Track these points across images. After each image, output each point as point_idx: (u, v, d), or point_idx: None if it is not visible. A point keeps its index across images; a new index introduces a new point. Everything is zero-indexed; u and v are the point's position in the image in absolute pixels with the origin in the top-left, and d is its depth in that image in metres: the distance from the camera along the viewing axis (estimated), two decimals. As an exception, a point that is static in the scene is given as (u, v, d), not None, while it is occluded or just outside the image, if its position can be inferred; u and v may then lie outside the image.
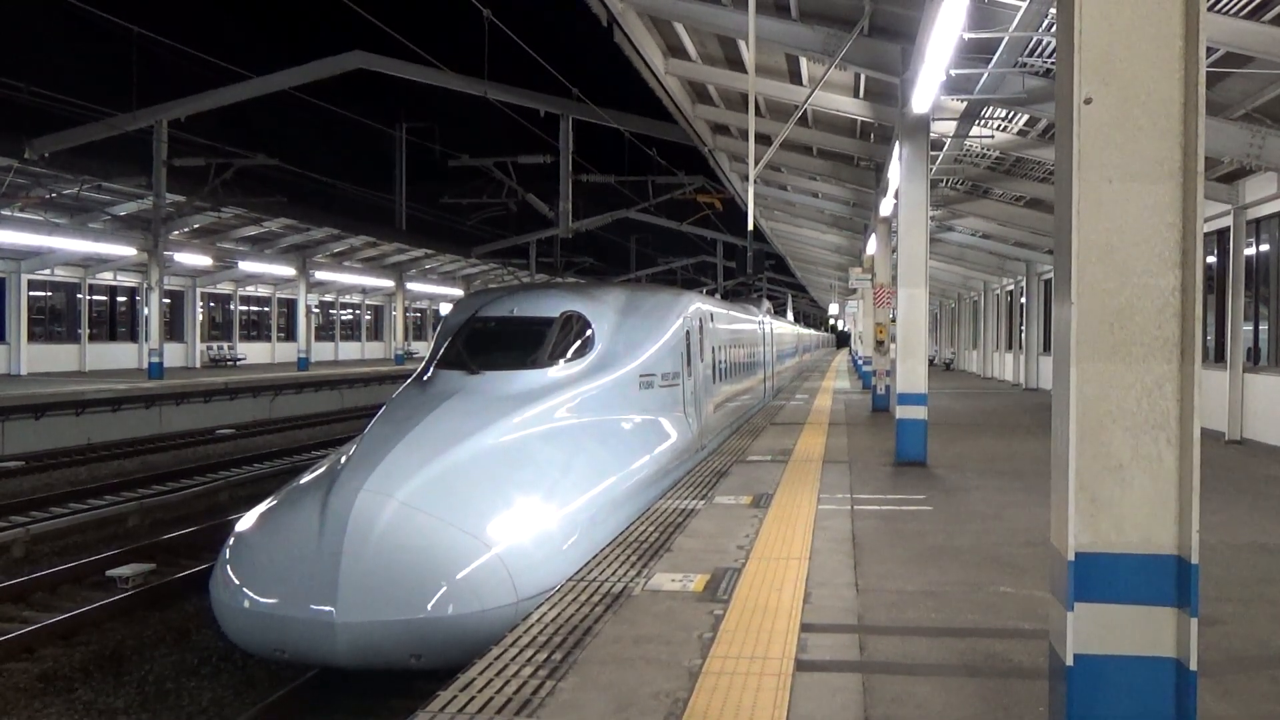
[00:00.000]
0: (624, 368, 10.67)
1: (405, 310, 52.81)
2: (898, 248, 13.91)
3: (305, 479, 8.25)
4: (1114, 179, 3.53)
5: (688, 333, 12.69)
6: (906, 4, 12.01)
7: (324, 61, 26.70)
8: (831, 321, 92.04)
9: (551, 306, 10.66)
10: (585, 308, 10.81)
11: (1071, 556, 3.52)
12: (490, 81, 24.96)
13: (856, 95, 16.74)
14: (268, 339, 47.44)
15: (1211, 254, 17.35)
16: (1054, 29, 11.04)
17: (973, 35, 11.47)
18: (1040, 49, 12.41)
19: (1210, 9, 10.43)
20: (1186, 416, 3.49)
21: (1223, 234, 16.91)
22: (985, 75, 12.97)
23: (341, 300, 53.87)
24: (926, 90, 11.91)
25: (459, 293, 49.80)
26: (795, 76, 16.67)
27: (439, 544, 7.00)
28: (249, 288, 45.12)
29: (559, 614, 6.00)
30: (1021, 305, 32.10)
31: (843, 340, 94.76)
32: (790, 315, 79.64)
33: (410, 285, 47.55)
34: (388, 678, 7.55)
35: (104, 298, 36.93)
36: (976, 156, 19.40)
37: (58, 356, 33.73)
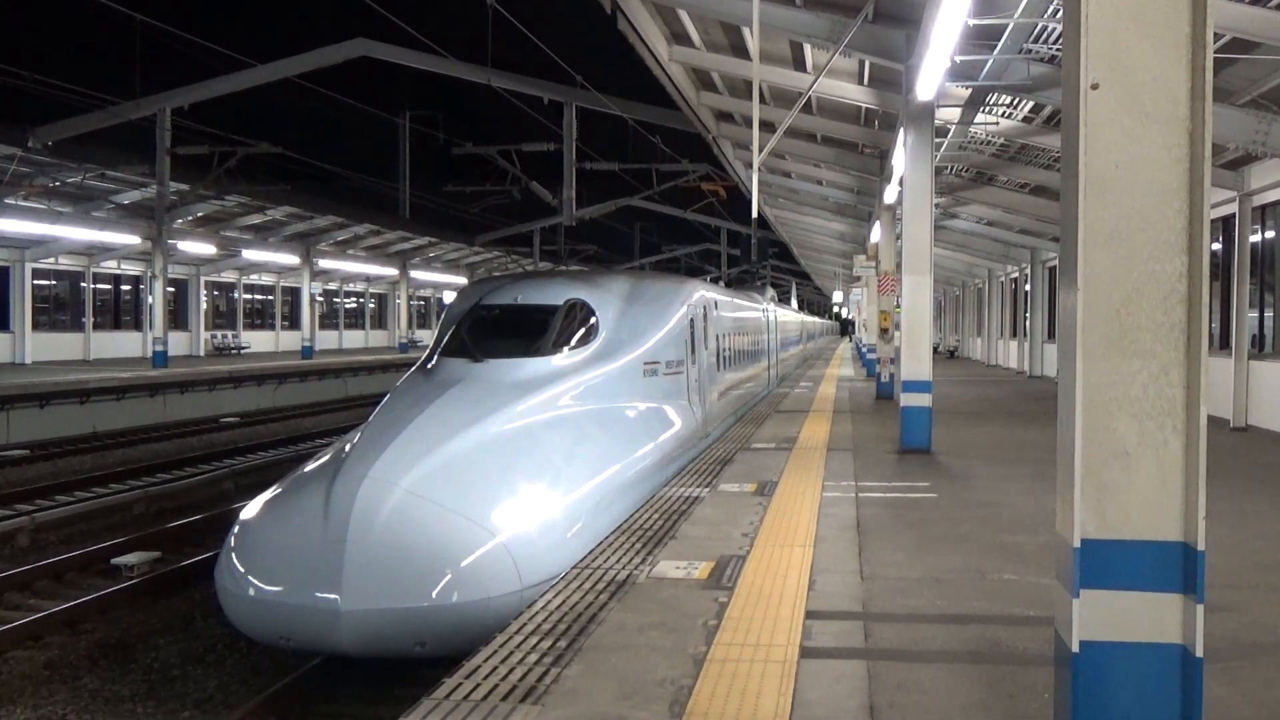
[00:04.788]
0: (628, 355, 10.66)
1: (409, 298, 52.82)
2: (902, 235, 13.89)
3: (310, 467, 8.25)
4: (1120, 165, 3.51)
5: (691, 320, 12.68)
6: (911, -10, 11.98)
7: (327, 49, 26.67)
8: (835, 309, 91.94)
9: (555, 294, 10.65)
10: (589, 295, 10.79)
11: (1077, 543, 3.51)
12: (494, 69, 24.93)
13: (861, 82, 16.70)
14: (272, 327, 47.50)
15: (1216, 241, 17.30)
16: (1059, 15, 11.01)
17: (977, 21, 11.43)
18: (1045, 35, 12.36)
19: (1217, -6, 10.37)
20: (1193, 403, 3.47)
21: (1228, 220, 16.87)
22: (990, 62, 12.93)
23: (345, 288, 53.90)
24: (931, 77, 11.88)
25: (463, 281, 49.81)
26: (799, 63, 16.63)
27: (443, 531, 7.00)
28: (253, 276, 45.16)
29: (564, 601, 6.00)
30: (1026, 292, 32.06)
31: (846, 328, 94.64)
32: (794, 303, 79.59)
33: (414, 273, 47.55)
34: (393, 665, 7.57)
35: (108, 286, 36.97)
36: (981, 143, 19.36)
37: (62, 345, 33.78)
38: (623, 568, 6.79)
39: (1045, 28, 12.06)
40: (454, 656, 5.78)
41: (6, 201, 25.98)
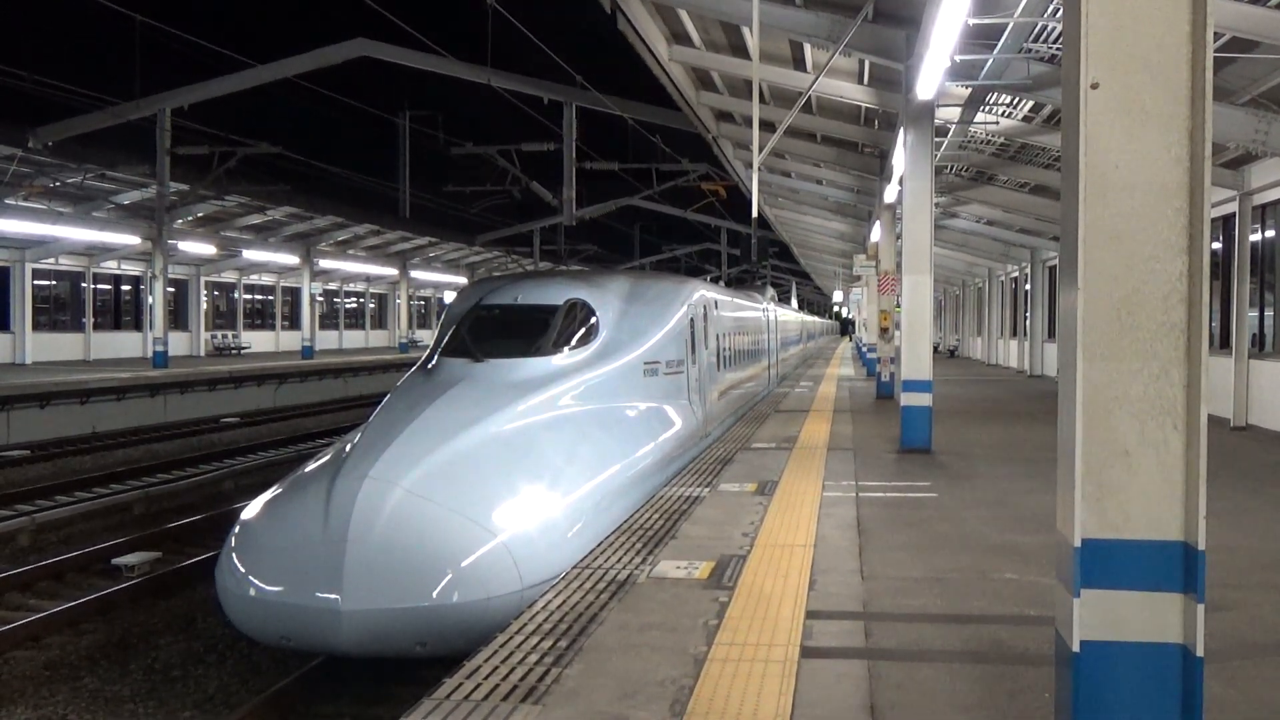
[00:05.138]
0: (628, 355, 10.66)
1: (409, 298, 52.80)
2: (902, 234, 13.89)
3: (310, 467, 8.25)
4: (1120, 164, 3.50)
5: (692, 320, 12.68)
6: (911, -11, 11.98)
7: (327, 49, 26.64)
8: (835, 309, 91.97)
9: (555, 294, 10.65)
10: (589, 295, 10.79)
11: (1078, 543, 3.50)
12: (494, 69, 24.91)
13: (861, 81, 16.70)
14: (272, 327, 47.49)
15: (1216, 240, 17.31)
16: (1059, 14, 11.01)
17: (977, 21, 11.43)
18: (1045, 34, 12.37)
19: (1217, -7, 10.37)
20: (1193, 402, 3.47)
21: (1228, 220, 16.87)
22: (990, 61, 12.94)
23: (345, 288, 53.89)
24: (931, 76, 11.87)
25: (463, 281, 49.80)
26: (799, 63, 16.63)
27: (444, 531, 7.00)
28: (253, 276, 45.15)
29: (564, 601, 6.00)
30: (1026, 292, 32.07)
31: (847, 327, 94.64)
32: (794, 302, 79.57)
33: (414, 273, 47.55)
34: (393, 665, 7.57)
35: (108, 287, 36.96)
36: (981, 143, 19.35)
37: (62, 345, 33.76)
38: (623, 568, 6.79)
39: (1045, 27, 12.07)
40: (455, 656, 5.79)
41: (7, 202, 25.97)
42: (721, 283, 46.30)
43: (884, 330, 22.46)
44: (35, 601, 10.30)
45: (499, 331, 10.10)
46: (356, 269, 45.28)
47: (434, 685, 4.73)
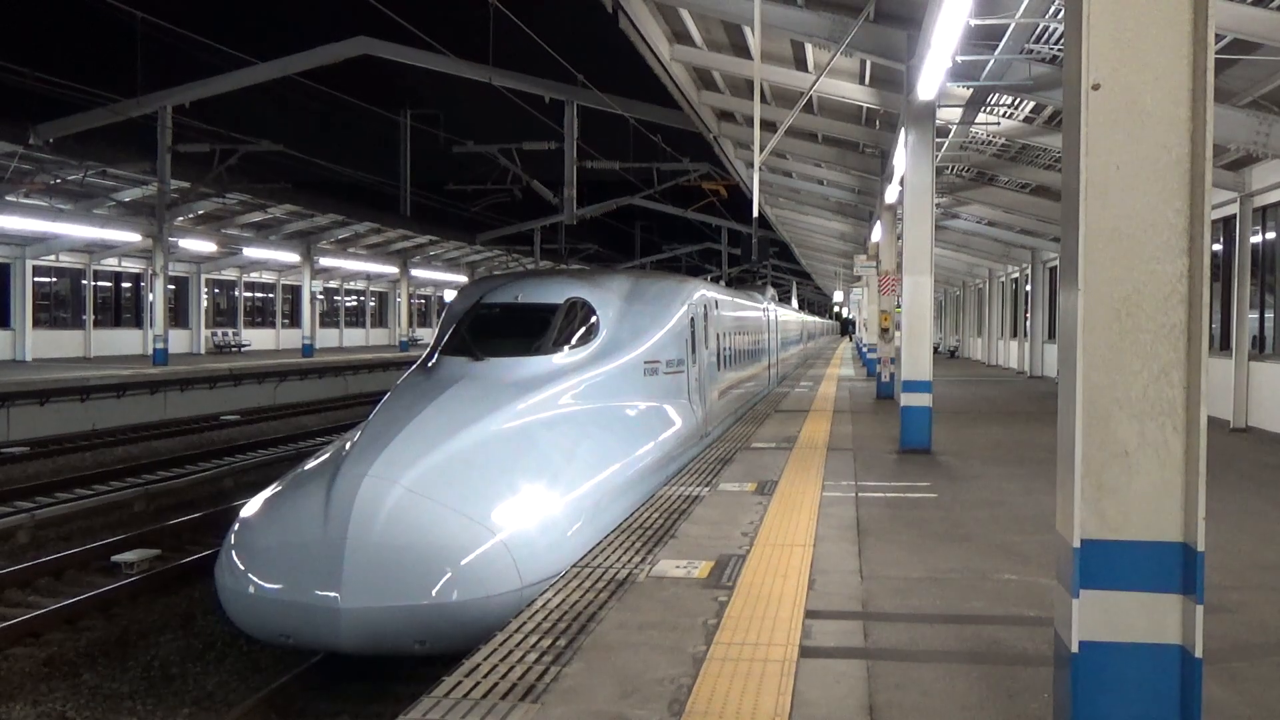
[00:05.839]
0: (628, 354, 10.66)
1: (409, 297, 52.78)
2: (903, 235, 13.89)
3: (310, 465, 8.26)
4: (1121, 165, 3.51)
5: (692, 320, 12.68)
6: (913, -10, 11.98)
7: (329, 47, 26.65)
8: (836, 309, 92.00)
9: (556, 293, 10.65)
10: (590, 294, 10.80)
11: (1077, 544, 3.51)
12: (495, 68, 24.90)
13: (862, 82, 16.70)
14: (272, 325, 47.49)
15: (1217, 241, 17.30)
16: (1060, 15, 11.02)
17: (979, 21, 11.43)
18: (1046, 35, 12.37)
19: (1218, -5, 10.37)
20: (1193, 403, 3.48)
21: (1229, 221, 16.86)
22: (991, 62, 12.94)
23: (346, 286, 53.88)
24: (932, 77, 11.87)
25: (463, 279, 49.77)
26: (801, 63, 16.63)
27: (443, 530, 7.01)
28: (253, 274, 45.15)
29: (563, 600, 6.01)
30: (1026, 292, 32.07)
31: (847, 328, 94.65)
32: (795, 302, 79.60)
33: (414, 272, 47.53)
34: (393, 663, 7.57)
35: (109, 284, 36.96)
36: (982, 144, 19.35)
37: (63, 342, 33.76)
38: (623, 566, 6.79)
39: (1046, 28, 12.07)
40: (454, 655, 5.79)
41: (8, 199, 25.97)
42: (722, 282, 46.28)
43: (884, 330, 22.45)
44: (35, 598, 10.29)
45: (499, 330, 10.10)
46: (357, 267, 45.28)
47: (433, 683, 4.73)
